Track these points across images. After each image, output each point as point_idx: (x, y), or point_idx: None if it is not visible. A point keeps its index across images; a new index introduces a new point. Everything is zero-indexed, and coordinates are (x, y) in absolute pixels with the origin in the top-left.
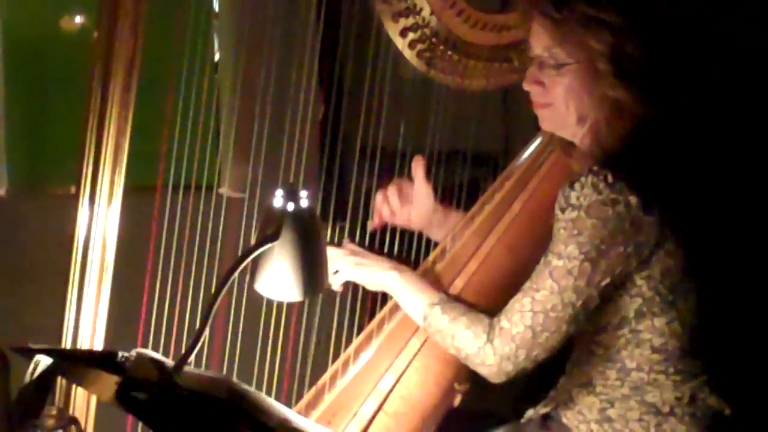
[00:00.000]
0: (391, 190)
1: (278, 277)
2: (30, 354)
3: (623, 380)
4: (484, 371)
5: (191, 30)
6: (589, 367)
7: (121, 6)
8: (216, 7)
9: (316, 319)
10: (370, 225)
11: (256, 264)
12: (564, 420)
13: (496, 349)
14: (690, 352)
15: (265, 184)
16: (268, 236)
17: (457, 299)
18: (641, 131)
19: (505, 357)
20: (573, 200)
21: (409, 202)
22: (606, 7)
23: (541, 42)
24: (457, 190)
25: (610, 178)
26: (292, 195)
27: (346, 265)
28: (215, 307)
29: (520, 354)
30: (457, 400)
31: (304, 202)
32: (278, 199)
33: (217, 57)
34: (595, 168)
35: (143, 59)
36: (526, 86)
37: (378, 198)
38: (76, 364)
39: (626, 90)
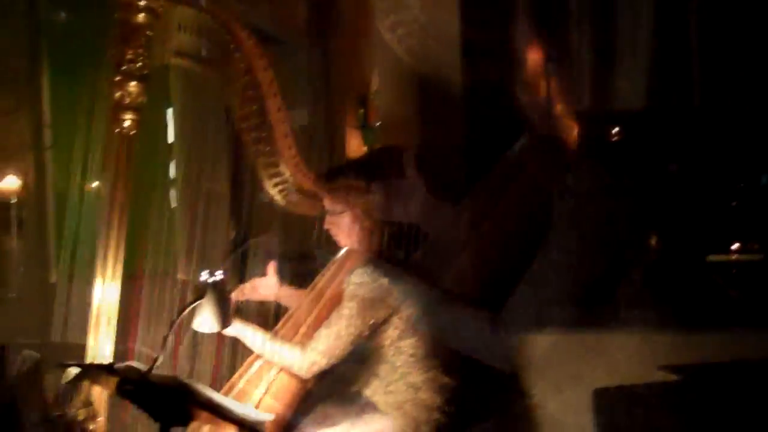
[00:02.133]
0: (247, 285)
1: (205, 318)
2: (65, 367)
3: (395, 371)
4: (300, 372)
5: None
6: (377, 367)
7: (118, 171)
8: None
9: (228, 345)
10: (234, 297)
11: (192, 312)
12: (365, 394)
13: (306, 359)
14: (429, 354)
15: (198, 270)
16: (198, 296)
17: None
18: (386, 243)
19: (314, 363)
20: (352, 279)
21: (259, 287)
22: (352, 176)
23: (327, 201)
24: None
25: (370, 269)
26: (212, 273)
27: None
28: (168, 338)
29: (322, 361)
30: (311, 384)
31: (219, 277)
32: (204, 275)
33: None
34: (362, 264)
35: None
36: (325, 226)
37: (240, 288)
38: (94, 372)
39: (372, 222)
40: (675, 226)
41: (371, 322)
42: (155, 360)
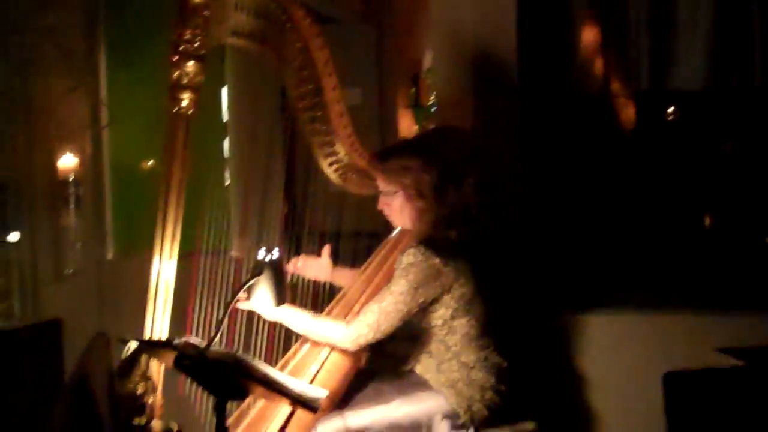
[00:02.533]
0: (300, 259)
1: (262, 295)
2: (126, 342)
3: (448, 350)
4: (345, 345)
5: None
6: (430, 346)
7: (176, 150)
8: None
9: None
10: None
11: (249, 289)
12: (418, 371)
13: (352, 331)
14: (482, 334)
15: (254, 248)
16: (256, 273)
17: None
18: (438, 223)
19: (360, 336)
20: (404, 259)
21: (313, 266)
22: (406, 156)
23: (380, 181)
24: (360, 252)
25: (422, 249)
26: (269, 250)
27: (260, 310)
28: (227, 315)
29: (368, 335)
30: (364, 360)
31: (276, 255)
32: (261, 253)
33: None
34: (414, 244)
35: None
36: (379, 206)
37: (293, 261)
38: (153, 347)
39: (425, 202)
40: (734, 208)
41: (421, 300)
42: (213, 336)
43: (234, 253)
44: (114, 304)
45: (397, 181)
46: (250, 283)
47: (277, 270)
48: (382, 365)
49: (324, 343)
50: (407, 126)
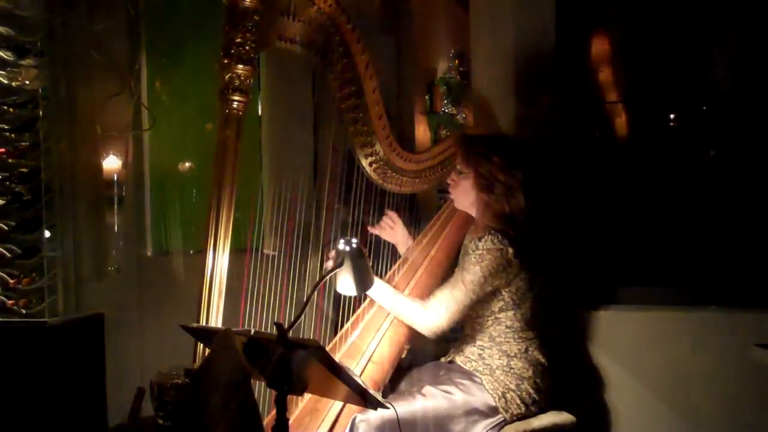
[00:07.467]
0: (387, 220)
1: (346, 283)
2: (189, 330)
3: (492, 340)
4: (424, 332)
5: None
6: (474, 336)
7: (228, 150)
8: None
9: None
10: (370, 230)
11: (333, 278)
12: (458, 362)
13: (430, 320)
14: (525, 328)
15: (287, 246)
16: (339, 263)
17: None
18: (503, 219)
19: (434, 324)
20: (480, 245)
21: (394, 231)
22: (492, 150)
23: (459, 160)
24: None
25: (499, 237)
26: (348, 242)
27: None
28: (307, 303)
29: (443, 323)
30: (404, 354)
31: (354, 244)
32: (342, 244)
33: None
34: (492, 231)
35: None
36: (448, 180)
37: (379, 226)
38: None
39: (488, 196)
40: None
41: (488, 289)
42: (294, 320)
43: (266, 250)
44: (152, 299)
45: (474, 165)
46: (331, 272)
47: (357, 258)
48: (421, 357)
49: (406, 322)
50: (422, 131)
